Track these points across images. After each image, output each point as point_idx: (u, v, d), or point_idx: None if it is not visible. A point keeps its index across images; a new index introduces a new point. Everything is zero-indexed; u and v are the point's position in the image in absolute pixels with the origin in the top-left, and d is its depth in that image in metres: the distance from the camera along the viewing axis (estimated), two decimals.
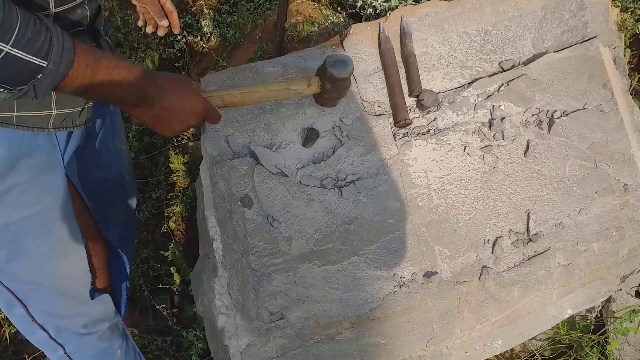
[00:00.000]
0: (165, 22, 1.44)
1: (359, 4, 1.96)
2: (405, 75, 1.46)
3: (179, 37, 2.89)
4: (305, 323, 1.26)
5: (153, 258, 2.29)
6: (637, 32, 2.18)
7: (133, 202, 1.74)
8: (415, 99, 1.45)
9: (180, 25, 1.50)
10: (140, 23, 1.44)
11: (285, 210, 1.29)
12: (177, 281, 2.25)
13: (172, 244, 2.14)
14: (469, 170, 1.38)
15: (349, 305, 1.28)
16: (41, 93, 0.85)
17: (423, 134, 1.41)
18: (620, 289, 1.74)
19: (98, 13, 1.13)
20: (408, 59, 1.45)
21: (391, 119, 1.42)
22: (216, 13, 2.96)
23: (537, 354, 1.80)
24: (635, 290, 1.79)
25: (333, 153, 1.37)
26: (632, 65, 2.41)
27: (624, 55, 1.83)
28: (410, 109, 1.44)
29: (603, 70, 1.49)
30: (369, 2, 1.90)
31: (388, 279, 1.30)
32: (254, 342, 1.25)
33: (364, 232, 1.31)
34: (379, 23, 1.48)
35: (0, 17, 0.73)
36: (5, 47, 0.75)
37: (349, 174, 1.34)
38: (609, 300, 1.76)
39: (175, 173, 2.61)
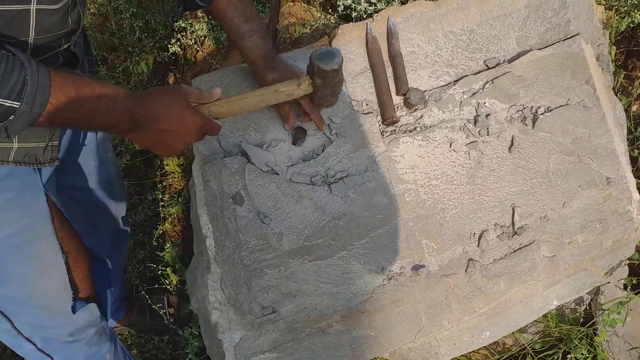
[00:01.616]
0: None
1: (341, 6, 1.98)
2: (392, 74, 1.49)
3: (173, 41, 2.92)
4: (297, 316, 1.29)
5: (149, 259, 2.32)
6: (623, 30, 2.22)
7: (123, 209, 1.76)
8: (403, 97, 1.48)
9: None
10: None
11: (275, 207, 1.33)
12: (174, 281, 2.29)
13: (168, 245, 2.17)
14: (455, 166, 1.42)
15: (339, 298, 1.31)
16: (14, 132, 0.82)
17: (410, 131, 1.44)
18: (609, 282, 1.77)
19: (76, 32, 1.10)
20: (395, 58, 1.49)
21: (379, 117, 1.46)
22: (210, 17, 3.00)
23: (528, 347, 1.83)
24: (624, 283, 1.83)
25: (322, 151, 1.40)
26: (620, 63, 2.45)
27: (609, 53, 1.87)
28: (397, 107, 1.47)
29: (585, 67, 1.52)
30: (352, 7, 1.93)
31: (377, 272, 1.33)
32: (246, 336, 1.28)
33: (353, 227, 1.34)
34: (366, 24, 1.52)
35: None
36: None
37: (338, 171, 1.38)
38: (597, 292, 1.80)
39: (170, 175, 2.64)
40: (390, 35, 1.51)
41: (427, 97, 1.48)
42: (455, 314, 1.36)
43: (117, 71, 2.83)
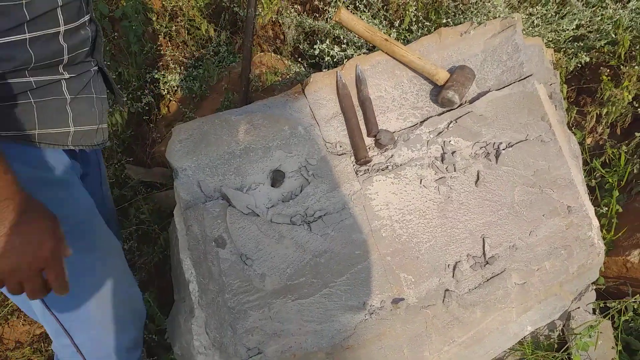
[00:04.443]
0: None
1: (316, 52, 2.11)
2: (362, 117, 1.58)
3: (145, 91, 2.98)
4: (282, 356, 1.31)
5: None
6: (572, 69, 2.40)
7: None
8: (373, 138, 1.56)
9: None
10: None
11: (257, 248, 1.37)
12: (153, 331, 2.25)
13: (146, 294, 2.15)
14: (426, 201, 1.49)
15: (323, 336, 1.34)
16: None
17: (382, 170, 1.52)
18: (579, 307, 1.85)
19: (96, 36, 1.22)
20: (364, 102, 1.58)
21: (352, 158, 1.53)
22: (182, 67, 3.08)
23: None
24: (592, 308, 1.91)
25: (301, 191, 1.46)
26: (572, 100, 2.62)
27: (561, 91, 2.01)
28: (369, 148, 1.55)
29: (540, 105, 1.64)
30: (326, 52, 2.04)
31: (359, 308, 1.37)
32: None
33: (334, 264, 1.39)
34: (336, 72, 1.61)
35: None
36: None
37: (316, 210, 1.43)
38: (568, 318, 1.87)
39: (145, 224, 2.64)
40: (359, 81, 1.60)
41: (396, 138, 1.57)
42: (436, 345, 1.40)
43: None
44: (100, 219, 1.26)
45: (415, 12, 2.03)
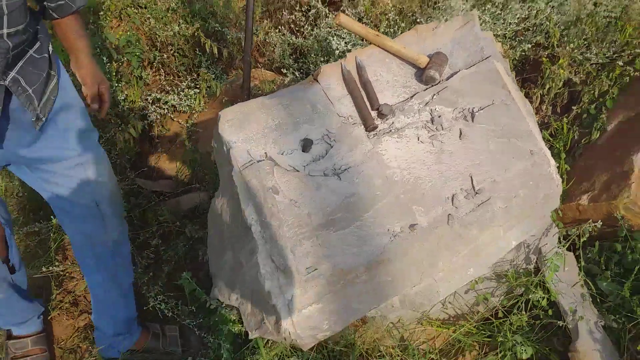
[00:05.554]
0: (95, 106, 1.81)
1: (337, 50, 2.53)
2: (366, 96, 2.00)
3: (151, 110, 3.31)
4: (332, 271, 1.67)
5: (162, 293, 2.56)
6: (517, 59, 2.93)
7: (112, 231, 2.04)
8: (376, 111, 1.98)
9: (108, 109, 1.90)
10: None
11: (302, 195, 1.73)
12: (186, 312, 2.53)
13: (184, 273, 2.44)
14: (424, 153, 1.91)
15: (361, 255, 1.71)
16: None
17: (387, 133, 1.93)
18: (547, 244, 2.30)
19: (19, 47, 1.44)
20: (366, 84, 2.00)
21: (362, 126, 1.94)
22: (178, 88, 3.43)
23: (499, 307, 2.28)
24: (557, 242, 2.36)
25: (326, 153, 1.85)
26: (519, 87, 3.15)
27: (511, 73, 2.50)
28: (374, 118, 1.96)
29: (500, 77, 2.11)
30: (334, 46, 2.47)
31: (384, 233, 1.75)
32: (296, 294, 1.63)
33: (361, 203, 1.77)
34: (341, 62, 2.03)
35: None
36: None
37: (342, 164, 1.82)
38: (540, 252, 2.31)
39: (164, 225, 2.94)
40: (359, 68, 2.03)
41: (394, 109, 1.99)
42: (446, 257, 1.79)
43: (100, 141, 3.16)
44: None
45: (393, 16, 2.50)
